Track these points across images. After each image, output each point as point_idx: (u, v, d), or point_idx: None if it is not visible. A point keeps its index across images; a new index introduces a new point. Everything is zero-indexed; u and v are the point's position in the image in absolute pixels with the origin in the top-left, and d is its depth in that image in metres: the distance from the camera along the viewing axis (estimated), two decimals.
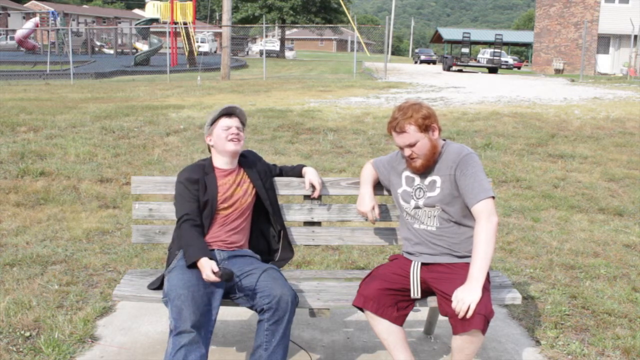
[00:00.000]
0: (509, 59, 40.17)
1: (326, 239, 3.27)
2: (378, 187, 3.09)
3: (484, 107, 11.79)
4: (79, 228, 5.10)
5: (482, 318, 2.47)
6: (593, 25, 30.58)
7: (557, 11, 35.22)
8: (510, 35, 50.79)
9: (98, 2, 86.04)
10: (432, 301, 2.79)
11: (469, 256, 2.68)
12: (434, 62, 50.15)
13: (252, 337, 2.74)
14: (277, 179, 3.19)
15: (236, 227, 2.97)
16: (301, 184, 3.20)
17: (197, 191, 2.88)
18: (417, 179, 2.83)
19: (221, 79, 21.17)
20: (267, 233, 3.12)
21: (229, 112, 3.02)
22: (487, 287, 2.57)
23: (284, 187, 3.20)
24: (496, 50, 35.26)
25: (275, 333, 2.62)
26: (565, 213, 5.79)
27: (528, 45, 48.67)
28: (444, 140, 2.85)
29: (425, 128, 2.71)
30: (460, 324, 2.50)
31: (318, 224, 3.26)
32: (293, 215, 3.22)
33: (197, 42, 35.05)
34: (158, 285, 2.87)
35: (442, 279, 2.69)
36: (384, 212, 3.18)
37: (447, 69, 34.90)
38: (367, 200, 2.99)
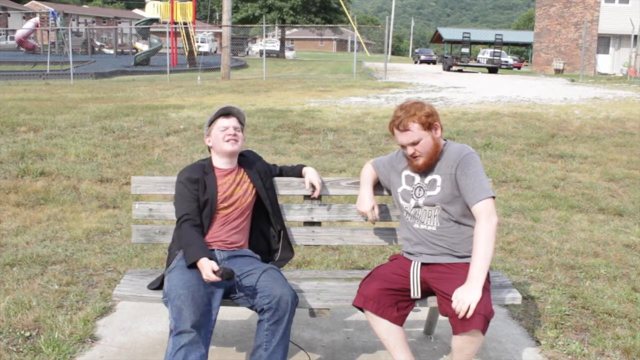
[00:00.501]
0: (509, 59, 40.16)
1: (326, 239, 3.27)
2: (378, 187, 3.09)
3: (484, 107, 11.80)
4: (79, 228, 5.10)
5: (482, 318, 2.47)
6: (593, 25, 30.58)
7: (557, 11, 35.23)
8: (510, 35, 50.79)
9: (98, 2, 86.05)
10: (432, 301, 2.79)
11: (469, 256, 2.68)
12: (434, 62, 50.14)
13: (252, 337, 2.74)
14: (277, 179, 3.19)
15: (236, 227, 2.97)
16: (301, 184, 3.20)
17: (197, 191, 2.88)
18: (417, 178, 2.83)
19: (221, 79, 21.17)
20: (267, 233, 3.12)
21: (226, 113, 3.02)
22: (487, 287, 2.57)
23: (284, 187, 3.20)
24: (496, 50, 35.26)
25: (275, 333, 2.62)
26: (565, 213, 5.79)
27: (528, 45, 48.67)
28: (445, 140, 2.85)
29: (428, 126, 2.72)
30: (460, 324, 2.50)
31: (318, 224, 3.26)
32: (293, 215, 3.22)
33: (197, 42, 35.05)
34: (158, 285, 2.87)
35: (442, 279, 2.69)
36: (384, 212, 3.18)
37: (447, 69, 34.90)
38: (367, 200, 2.99)
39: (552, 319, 3.54)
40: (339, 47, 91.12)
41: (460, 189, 2.71)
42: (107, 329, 3.39)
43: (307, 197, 3.22)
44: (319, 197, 3.21)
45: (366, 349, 3.22)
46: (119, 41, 43.65)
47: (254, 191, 3.03)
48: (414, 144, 2.72)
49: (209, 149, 3.05)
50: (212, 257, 2.68)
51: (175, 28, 29.07)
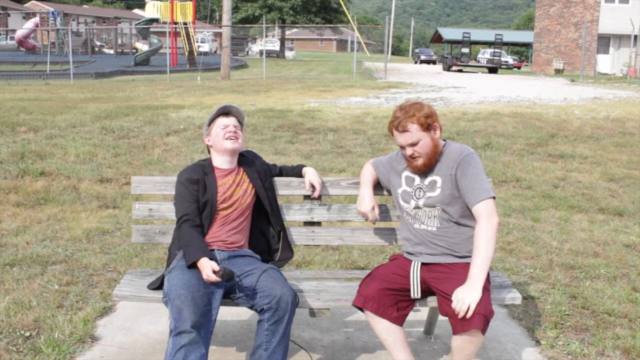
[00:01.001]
0: (509, 59, 40.19)
1: (326, 239, 3.27)
2: (378, 187, 3.09)
3: (484, 107, 11.80)
4: (79, 228, 5.10)
5: (482, 318, 2.47)
6: (593, 25, 30.59)
7: (557, 11, 35.23)
8: (510, 35, 50.78)
9: (98, 2, 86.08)
10: (432, 301, 2.79)
11: (469, 256, 2.68)
12: (434, 62, 50.14)
13: (252, 337, 2.74)
14: (277, 179, 3.19)
15: (236, 227, 2.97)
16: (301, 184, 3.20)
17: (197, 191, 2.88)
18: (417, 179, 2.83)
19: (221, 79, 21.16)
20: (267, 233, 3.12)
21: (225, 112, 3.03)
22: (487, 287, 2.57)
23: (284, 187, 3.20)
24: (496, 50, 35.27)
25: (275, 333, 2.62)
26: (565, 213, 5.79)
27: (528, 45, 48.68)
28: (445, 140, 2.85)
29: (427, 127, 2.71)
30: (460, 324, 2.50)
31: (318, 224, 3.26)
32: (293, 215, 3.22)
33: (197, 42, 35.03)
34: (158, 285, 2.87)
35: (442, 279, 2.69)
36: (384, 212, 3.18)
37: (447, 69, 34.89)
38: (367, 201, 2.99)
39: (552, 319, 3.54)
40: (339, 47, 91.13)
41: (461, 190, 2.71)
42: (107, 329, 3.39)
43: (307, 197, 3.22)
44: (319, 197, 3.21)
45: (366, 349, 3.22)
46: (119, 41, 43.66)
47: (253, 191, 3.03)
48: (413, 144, 2.72)
49: (209, 149, 3.06)
50: (212, 257, 2.68)
51: (175, 28, 29.09)
